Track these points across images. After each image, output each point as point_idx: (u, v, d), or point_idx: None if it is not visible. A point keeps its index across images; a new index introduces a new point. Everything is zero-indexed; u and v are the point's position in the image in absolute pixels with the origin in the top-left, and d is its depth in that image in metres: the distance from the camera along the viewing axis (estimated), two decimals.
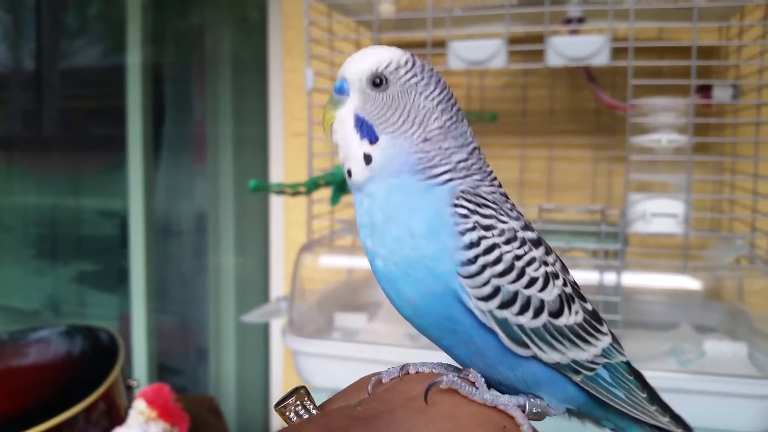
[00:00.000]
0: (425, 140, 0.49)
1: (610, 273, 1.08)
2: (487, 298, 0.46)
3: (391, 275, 0.47)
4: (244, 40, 1.94)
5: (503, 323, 0.46)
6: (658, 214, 1.07)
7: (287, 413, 0.47)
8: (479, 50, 1.13)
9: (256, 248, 1.91)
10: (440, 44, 1.17)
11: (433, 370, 0.49)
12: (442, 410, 0.43)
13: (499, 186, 0.51)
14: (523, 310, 0.46)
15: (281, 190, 1.17)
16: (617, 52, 1.10)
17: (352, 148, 0.49)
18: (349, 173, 0.49)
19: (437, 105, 0.50)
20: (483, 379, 0.47)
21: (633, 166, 1.12)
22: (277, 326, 1.73)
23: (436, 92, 0.50)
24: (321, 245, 1.32)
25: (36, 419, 1.10)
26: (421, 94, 0.50)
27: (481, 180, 0.50)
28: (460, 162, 0.49)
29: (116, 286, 2.15)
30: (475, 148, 0.51)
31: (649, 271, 1.19)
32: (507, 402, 0.45)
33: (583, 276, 1.10)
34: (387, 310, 1.31)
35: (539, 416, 0.48)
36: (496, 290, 0.46)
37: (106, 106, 2.15)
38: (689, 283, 1.24)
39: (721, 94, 1.17)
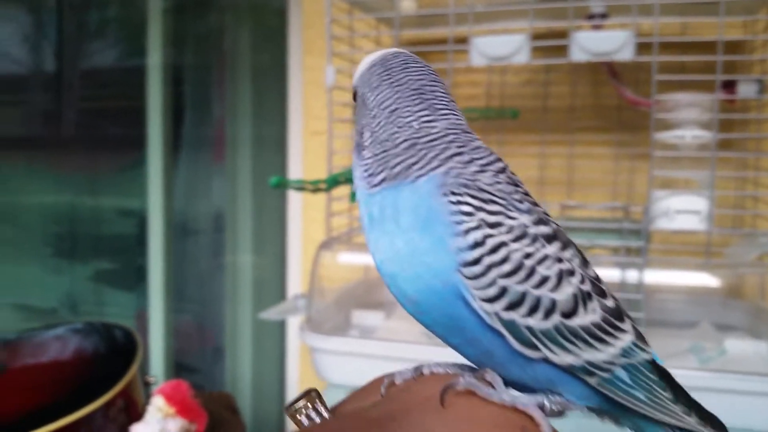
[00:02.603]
0: (387, 140, 0.48)
1: (632, 270, 1.06)
2: (492, 300, 0.43)
3: (390, 271, 0.46)
4: (264, 39, 1.95)
5: (510, 325, 0.44)
6: (682, 210, 1.06)
7: (298, 417, 0.46)
8: (502, 46, 1.12)
9: (273, 246, 1.91)
10: (461, 41, 1.17)
11: (448, 371, 0.48)
12: (458, 412, 0.42)
13: (502, 171, 0.48)
14: (532, 311, 0.44)
15: (302, 186, 1.16)
16: (641, 48, 1.08)
17: (356, 163, 0.50)
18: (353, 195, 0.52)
19: (391, 102, 0.49)
20: (500, 379, 0.44)
21: (656, 162, 1.11)
22: (293, 324, 1.73)
23: (386, 89, 0.49)
24: (339, 243, 1.31)
25: (53, 416, 1.10)
26: (397, 86, 0.49)
27: (481, 170, 0.47)
28: (442, 153, 0.47)
29: (133, 284, 2.16)
30: (468, 137, 0.49)
31: (670, 268, 1.18)
32: (526, 402, 0.43)
33: (605, 273, 1.09)
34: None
35: (559, 414, 0.46)
36: (503, 291, 0.43)
37: (125, 106, 2.17)
38: (711, 280, 1.22)
39: (746, 89, 1.15)
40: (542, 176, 1.42)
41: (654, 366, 0.49)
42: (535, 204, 0.48)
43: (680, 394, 0.50)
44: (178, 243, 2.02)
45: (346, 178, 1.21)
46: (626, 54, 1.08)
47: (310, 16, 1.66)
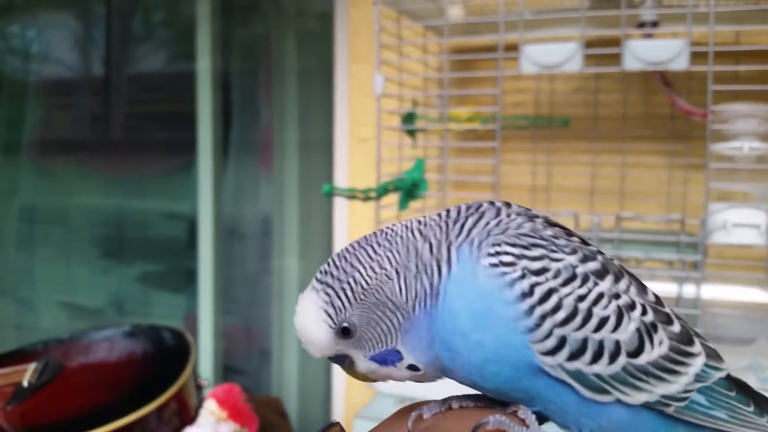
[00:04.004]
0: (407, 300, 0.44)
1: (689, 285, 1.05)
2: (552, 352, 0.41)
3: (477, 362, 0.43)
4: (310, 47, 1.96)
5: (577, 375, 0.42)
6: (740, 224, 1.04)
7: None
8: (554, 54, 1.11)
9: (319, 252, 1.93)
10: (511, 48, 1.16)
11: (478, 404, 0.46)
12: None
13: (546, 220, 0.47)
14: (596, 357, 0.42)
15: (353, 195, 1.18)
16: (694, 57, 1.07)
17: (398, 375, 0.46)
18: (418, 381, 0.47)
19: (382, 268, 0.45)
20: (534, 416, 0.43)
21: (712, 174, 1.09)
22: None
23: (368, 271, 0.45)
24: None
25: (106, 418, 1.13)
26: (365, 290, 0.45)
27: (518, 227, 0.45)
28: (465, 241, 0.44)
29: (182, 287, 2.19)
30: (479, 219, 0.46)
31: (727, 283, 1.15)
32: None
33: (661, 287, 1.07)
34: None
35: None
36: (562, 341, 0.41)
37: (174, 110, 2.21)
38: None
39: None
40: (593, 186, 1.41)
41: (730, 381, 0.48)
42: (583, 241, 0.46)
43: (764, 405, 0.48)
44: (227, 246, 2.05)
45: (396, 186, 1.22)
46: (681, 63, 1.06)
47: (356, 23, 1.67)
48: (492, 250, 0.43)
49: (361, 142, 1.68)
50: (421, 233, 0.45)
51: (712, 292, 1.13)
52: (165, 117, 2.28)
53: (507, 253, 0.43)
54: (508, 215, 0.46)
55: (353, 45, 1.69)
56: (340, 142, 1.74)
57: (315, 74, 1.93)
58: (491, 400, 0.46)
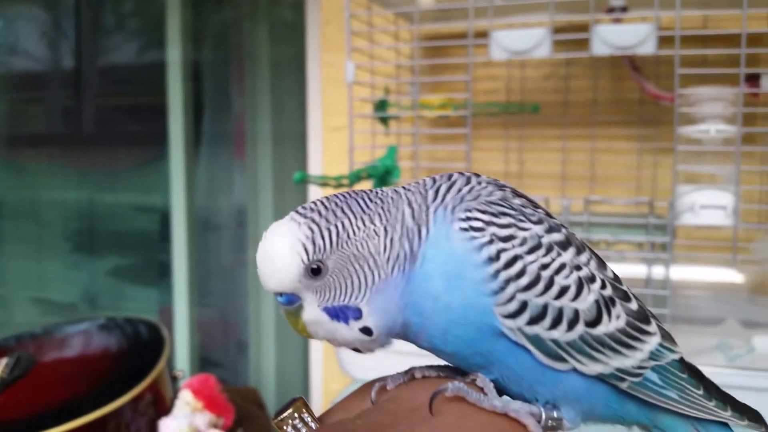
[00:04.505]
0: (388, 259, 0.44)
1: (658, 266, 1.06)
2: (514, 315, 0.42)
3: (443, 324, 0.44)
4: (282, 36, 1.95)
5: (536, 339, 0.43)
6: (707, 205, 1.05)
7: (285, 427, 0.45)
8: (523, 40, 1.12)
9: None
10: (481, 35, 1.17)
11: (440, 374, 0.46)
12: (447, 420, 0.40)
13: (513, 191, 0.48)
14: (555, 323, 0.43)
15: (325, 182, 1.17)
16: (662, 41, 1.08)
17: (344, 336, 0.45)
18: (357, 350, 0.46)
19: (372, 223, 0.45)
20: (492, 384, 0.44)
21: (680, 157, 1.10)
22: None
23: (357, 222, 0.45)
24: None
25: (82, 410, 1.12)
26: (350, 239, 0.44)
27: (489, 195, 0.46)
28: (437, 209, 0.45)
29: (155, 280, 2.18)
30: (451, 186, 0.46)
31: (696, 264, 1.17)
32: (518, 408, 0.42)
33: (630, 269, 1.08)
34: None
35: (553, 429, 0.44)
36: (524, 305, 0.42)
37: (145, 102, 2.19)
38: (737, 276, 1.22)
39: None
40: (564, 171, 1.42)
41: (684, 364, 0.49)
42: (545, 213, 0.47)
43: (713, 390, 0.50)
44: (201, 239, 2.03)
45: (369, 174, 1.22)
46: (648, 48, 1.07)
47: (328, 12, 1.67)
48: (463, 215, 0.44)
49: (335, 131, 1.68)
50: (407, 198, 0.46)
51: (681, 273, 1.15)
52: (136, 109, 2.26)
53: (477, 219, 0.43)
54: (479, 183, 0.47)
55: (325, 33, 1.68)
56: (313, 131, 1.73)
57: (287, 63, 1.92)
58: (453, 370, 0.47)
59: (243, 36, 2.04)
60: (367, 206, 0.45)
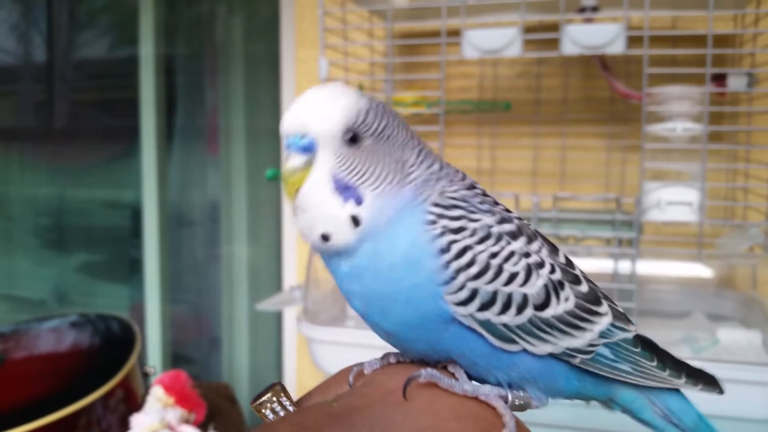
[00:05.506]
0: (405, 183, 0.46)
1: (625, 261, 1.08)
2: (465, 302, 0.44)
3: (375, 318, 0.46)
4: (256, 30, 1.95)
5: (486, 324, 0.45)
6: (673, 202, 1.08)
7: (263, 410, 0.46)
8: (495, 39, 1.13)
9: (268, 238, 1.92)
10: (454, 34, 1.18)
11: (414, 360, 0.48)
12: (420, 404, 0.42)
13: (464, 179, 0.49)
14: (505, 308, 0.45)
15: None
16: (631, 41, 1.10)
17: (330, 213, 0.45)
18: (325, 238, 0.45)
19: (406, 143, 0.47)
20: (463, 370, 0.46)
21: (648, 154, 1.13)
22: (290, 315, 1.74)
23: (401, 129, 0.47)
24: None
25: (53, 407, 1.11)
26: (389, 137, 0.46)
27: (449, 182, 0.48)
28: (429, 179, 0.47)
29: (126, 276, 2.16)
30: (428, 152, 0.49)
31: (662, 259, 1.19)
32: (488, 392, 0.44)
33: (598, 264, 1.10)
34: None
35: (522, 408, 0.47)
36: (474, 293, 0.44)
37: (116, 97, 2.16)
38: (702, 271, 1.24)
39: (736, 82, 1.16)
40: (535, 168, 1.44)
41: (638, 339, 0.52)
42: (496, 203, 0.49)
43: (668, 361, 0.53)
44: (173, 234, 2.02)
45: None
46: (617, 47, 1.09)
47: (302, 8, 1.67)
48: (429, 208, 0.46)
49: None
50: (435, 158, 0.49)
51: (648, 267, 1.17)
52: (107, 103, 2.23)
53: (433, 213, 0.45)
54: (457, 180, 0.49)
55: (300, 29, 1.68)
56: None
57: (261, 59, 1.91)
58: None
59: (217, 31, 2.03)
60: (412, 133, 0.48)
